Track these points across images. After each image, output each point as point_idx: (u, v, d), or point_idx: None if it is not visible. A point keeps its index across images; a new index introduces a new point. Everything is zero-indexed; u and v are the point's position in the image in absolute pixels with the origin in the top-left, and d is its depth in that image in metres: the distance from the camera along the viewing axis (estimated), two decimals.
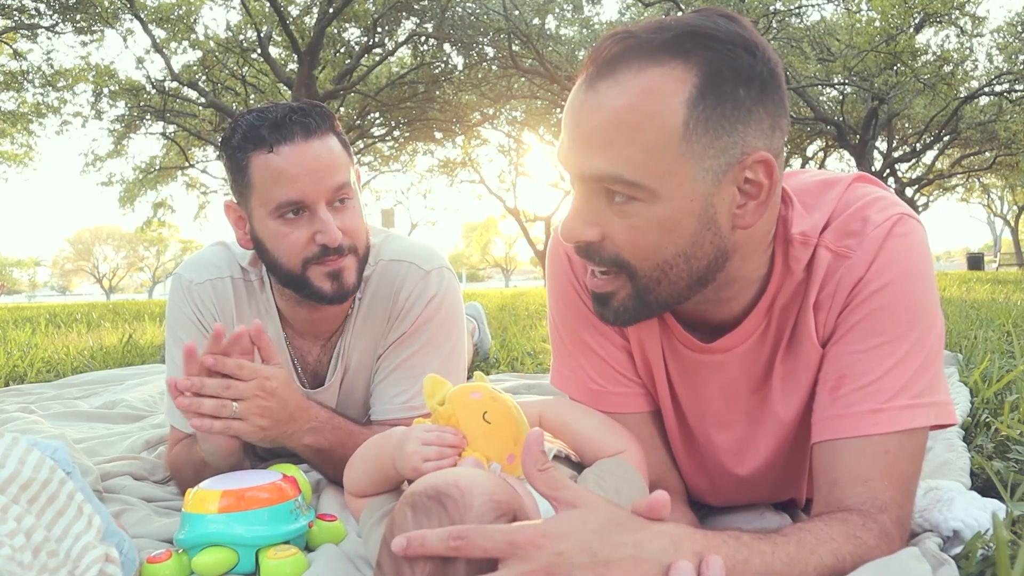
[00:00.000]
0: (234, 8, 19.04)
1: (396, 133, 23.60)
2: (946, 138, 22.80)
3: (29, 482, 0.96)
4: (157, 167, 22.59)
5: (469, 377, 1.77)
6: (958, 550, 1.05)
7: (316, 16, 17.65)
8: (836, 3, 19.03)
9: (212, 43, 19.10)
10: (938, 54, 19.29)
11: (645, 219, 0.93)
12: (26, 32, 17.65)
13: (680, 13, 1.00)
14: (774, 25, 17.88)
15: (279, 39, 19.17)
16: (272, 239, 1.44)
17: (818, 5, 18.73)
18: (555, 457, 1.18)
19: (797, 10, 18.57)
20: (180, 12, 18.38)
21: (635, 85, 0.90)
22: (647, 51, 0.90)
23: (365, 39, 18.76)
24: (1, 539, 0.87)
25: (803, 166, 24.79)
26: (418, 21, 18.47)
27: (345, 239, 1.44)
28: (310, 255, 1.43)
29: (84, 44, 18.33)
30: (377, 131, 23.48)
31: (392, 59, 20.89)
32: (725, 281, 1.03)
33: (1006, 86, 20.24)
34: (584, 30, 20.29)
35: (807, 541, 0.88)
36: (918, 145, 23.81)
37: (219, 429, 1.30)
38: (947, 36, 20.70)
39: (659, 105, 0.89)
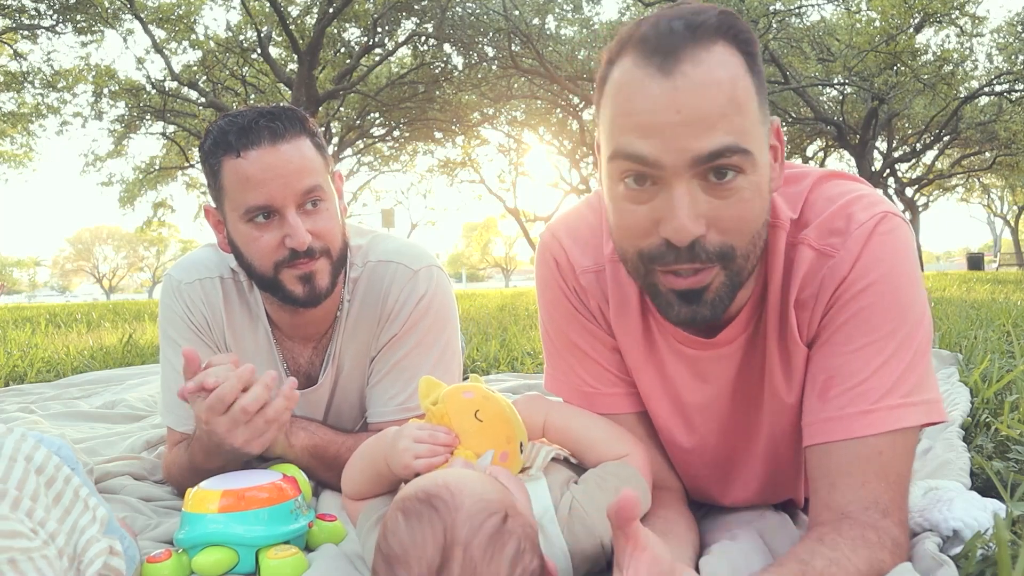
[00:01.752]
0: (234, 8, 19.06)
1: (396, 133, 23.61)
2: (946, 138, 22.82)
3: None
4: (157, 167, 22.61)
5: (465, 377, 1.77)
6: (958, 550, 1.05)
7: (316, 16, 17.66)
8: (836, 3, 19.03)
9: (212, 43, 19.11)
10: (938, 54, 19.30)
11: (749, 191, 0.94)
12: (26, 33, 17.65)
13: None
14: (774, 25, 17.88)
15: (279, 39, 19.18)
16: (244, 243, 1.45)
17: (818, 5, 18.74)
18: (553, 459, 1.18)
19: (797, 10, 18.57)
20: (180, 12, 18.39)
21: (715, 61, 0.91)
22: (702, 32, 0.91)
23: (365, 39, 18.76)
24: (42, 535, 0.87)
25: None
26: (418, 21, 18.47)
27: (316, 242, 1.43)
28: (281, 258, 1.43)
29: (84, 44, 18.35)
30: (377, 131, 23.49)
31: (392, 59, 20.90)
32: None
33: (1006, 86, 20.25)
34: (584, 30, 20.29)
35: None
36: (918, 145, 23.81)
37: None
38: (947, 36, 20.74)
39: (740, 76, 0.92)
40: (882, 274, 0.99)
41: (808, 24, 19.59)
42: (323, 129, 20.06)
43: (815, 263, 1.03)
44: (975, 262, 28.77)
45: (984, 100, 21.71)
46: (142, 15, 17.16)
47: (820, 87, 20.29)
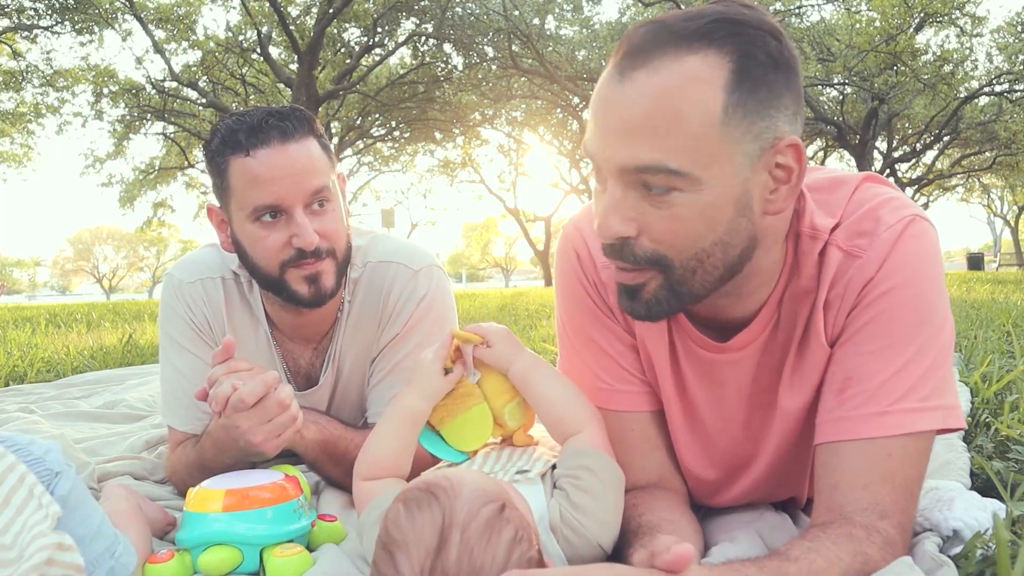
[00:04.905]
0: (234, 8, 19.07)
1: (396, 133, 23.63)
2: (946, 138, 22.82)
3: None
4: (157, 167, 22.62)
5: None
6: (958, 550, 1.05)
7: (316, 16, 17.67)
8: (836, 3, 19.04)
9: (212, 43, 19.12)
10: (938, 54, 19.31)
11: (687, 208, 0.92)
12: (25, 32, 17.65)
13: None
14: None
15: (279, 39, 19.19)
16: (250, 242, 1.45)
17: (818, 5, 18.74)
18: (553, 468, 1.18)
19: (797, 10, 18.57)
20: (180, 12, 18.41)
21: (674, 72, 0.88)
22: (681, 39, 0.89)
23: (365, 39, 18.78)
24: None
25: None
26: (418, 21, 18.49)
27: (323, 242, 1.43)
28: (287, 258, 1.43)
29: (83, 44, 18.36)
30: (377, 131, 23.51)
31: (392, 59, 20.91)
32: (749, 273, 1.03)
33: (1006, 86, 20.27)
34: (584, 30, 20.30)
35: (817, 565, 0.88)
36: (918, 145, 23.82)
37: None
38: (947, 36, 20.75)
39: (699, 91, 0.89)
40: (907, 277, 0.99)
41: (808, 24, 19.60)
42: (323, 129, 20.07)
43: (843, 264, 1.03)
44: (975, 262, 28.76)
45: (984, 100, 21.73)
46: (142, 15, 17.17)
47: (820, 87, 20.30)
